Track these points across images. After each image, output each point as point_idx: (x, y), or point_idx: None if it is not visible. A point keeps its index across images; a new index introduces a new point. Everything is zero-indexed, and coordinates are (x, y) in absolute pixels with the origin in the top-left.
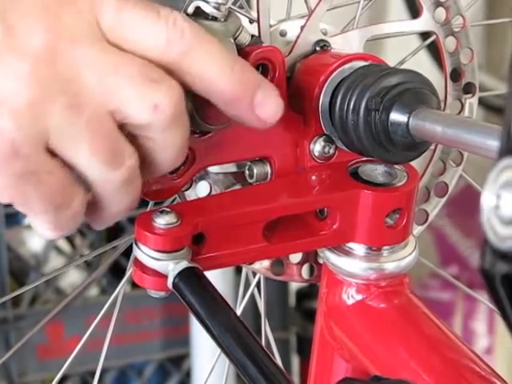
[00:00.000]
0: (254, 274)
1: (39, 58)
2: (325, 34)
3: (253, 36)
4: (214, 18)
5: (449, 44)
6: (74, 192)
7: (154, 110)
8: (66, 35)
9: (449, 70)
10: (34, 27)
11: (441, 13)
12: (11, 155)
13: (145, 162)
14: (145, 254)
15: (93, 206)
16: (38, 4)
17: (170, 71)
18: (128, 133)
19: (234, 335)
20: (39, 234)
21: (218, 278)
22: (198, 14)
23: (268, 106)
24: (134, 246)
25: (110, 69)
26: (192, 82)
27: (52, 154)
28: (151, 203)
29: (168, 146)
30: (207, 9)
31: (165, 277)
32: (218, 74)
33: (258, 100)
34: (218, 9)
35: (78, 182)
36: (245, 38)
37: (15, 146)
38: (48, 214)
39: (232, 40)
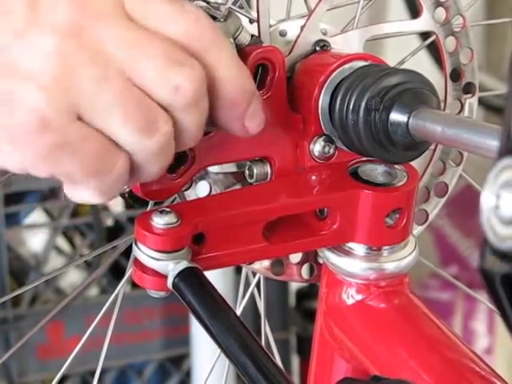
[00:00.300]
0: (254, 274)
1: (64, 33)
2: (325, 34)
3: (253, 36)
4: (214, 18)
5: (449, 44)
6: (115, 156)
7: (176, 91)
8: (90, 11)
9: (449, 69)
10: (58, 3)
11: (441, 13)
12: (41, 128)
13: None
14: (145, 253)
15: (130, 169)
16: None
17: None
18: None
19: (234, 335)
20: (81, 199)
21: (217, 278)
22: None
23: (255, 118)
24: (134, 245)
25: (133, 45)
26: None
27: (85, 123)
28: (151, 203)
29: (187, 126)
30: (207, 9)
31: (165, 277)
32: (230, 77)
33: (250, 110)
34: (217, 9)
35: (117, 146)
36: (245, 38)
37: (45, 119)
38: (90, 181)
39: (232, 40)
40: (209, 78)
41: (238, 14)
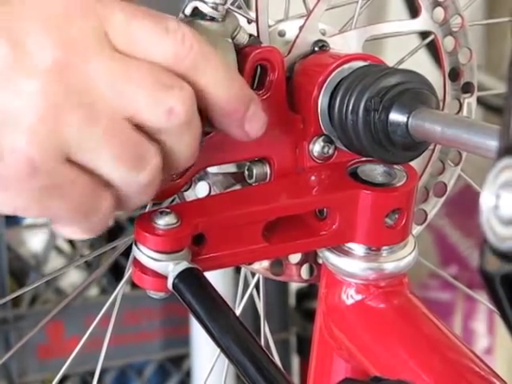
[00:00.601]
0: (253, 275)
1: (49, 74)
2: (323, 34)
3: (251, 36)
4: (212, 19)
5: (447, 44)
6: (101, 196)
7: (169, 114)
8: (75, 48)
9: (447, 69)
10: (42, 43)
11: (439, 12)
12: (31, 172)
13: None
14: (144, 254)
15: (117, 202)
16: (44, 18)
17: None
18: (147, 134)
19: (234, 336)
20: (69, 236)
21: (217, 278)
22: (196, 14)
23: (256, 121)
24: (134, 246)
25: (121, 76)
26: (196, 95)
27: (73, 163)
28: (149, 204)
29: (183, 147)
30: (205, 9)
31: (165, 277)
32: (221, 90)
33: (249, 115)
34: (215, 9)
35: (104, 185)
36: (243, 38)
37: (34, 163)
38: (77, 222)
39: (230, 40)
40: (202, 91)
41: (236, 13)
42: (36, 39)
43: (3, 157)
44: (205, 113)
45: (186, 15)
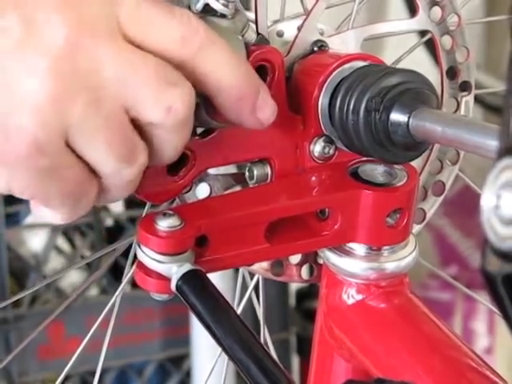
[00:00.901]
0: (252, 276)
1: (59, 53)
2: (321, 34)
3: (259, 34)
4: (223, 16)
5: (445, 42)
6: (91, 185)
7: (168, 112)
8: (86, 31)
9: (445, 68)
10: (53, 21)
11: (436, 11)
12: (35, 152)
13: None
14: (148, 256)
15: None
16: None
17: (183, 68)
18: (138, 128)
19: (237, 338)
20: (48, 220)
21: (217, 279)
22: (207, 11)
23: (267, 108)
24: (137, 248)
25: (128, 67)
26: (204, 80)
27: (70, 148)
28: (148, 205)
29: (170, 146)
30: (216, 6)
31: (168, 279)
32: (229, 73)
33: (259, 102)
34: (226, 6)
35: (93, 174)
36: (250, 37)
37: (39, 143)
38: (65, 207)
39: (240, 37)
40: (211, 75)
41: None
42: (48, 17)
43: (9, 135)
44: (213, 102)
45: (196, 11)
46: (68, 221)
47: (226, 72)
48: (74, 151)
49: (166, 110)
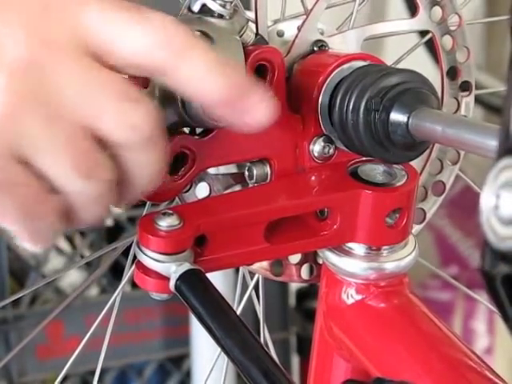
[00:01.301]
0: (252, 276)
1: (17, 70)
2: (322, 33)
3: (257, 35)
4: (220, 16)
5: (445, 42)
6: (48, 202)
7: (132, 130)
8: (48, 48)
9: (445, 68)
10: (16, 37)
11: (437, 12)
12: None
13: (121, 180)
14: (147, 256)
15: (65, 213)
16: (22, 10)
17: (159, 75)
18: (107, 151)
19: (237, 338)
20: (21, 245)
21: (217, 278)
22: (204, 11)
23: (258, 111)
24: (137, 248)
25: (89, 85)
26: (181, 87)
27: (25, 164)
28: (148, 204)
29: (144, 166)
30: (213, 6)
31: (167, 279)
32: (209, 79)
33: (249, 105)
34: (224, 6)
35: (52, 191)
36: (249, 37)
37: None
38: (22, 224)
39: (238, 38)
40: (189, 80)
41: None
42: (12, 33)
43: None
44: (200, 107)
45: (193, 12)
46: (37, 244)
47: (205, 77)
48: (30, 167)
49: (130, 128)
